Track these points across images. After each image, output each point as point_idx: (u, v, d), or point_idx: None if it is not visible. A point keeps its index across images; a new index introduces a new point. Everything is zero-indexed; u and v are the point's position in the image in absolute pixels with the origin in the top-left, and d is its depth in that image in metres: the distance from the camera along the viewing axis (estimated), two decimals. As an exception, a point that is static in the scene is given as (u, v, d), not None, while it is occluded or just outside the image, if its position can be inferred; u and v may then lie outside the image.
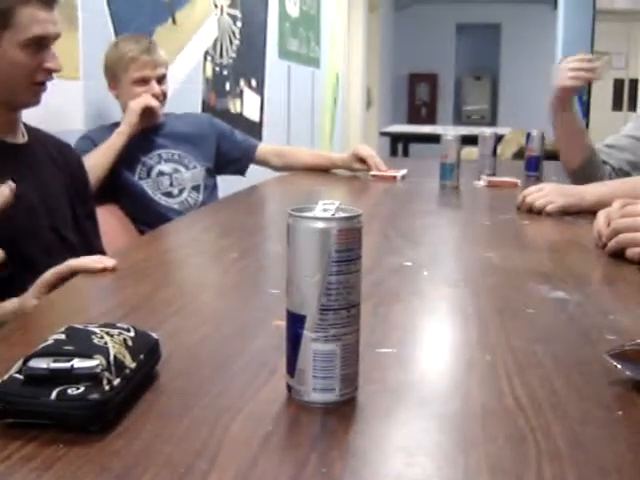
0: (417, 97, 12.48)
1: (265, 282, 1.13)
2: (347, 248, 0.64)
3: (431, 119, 12.21)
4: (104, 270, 1.16)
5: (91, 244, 1.76)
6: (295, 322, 0.66)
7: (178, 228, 1.70)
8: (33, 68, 1.53)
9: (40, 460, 0.56)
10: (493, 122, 11.62)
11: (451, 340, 0.94)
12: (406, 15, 12.17)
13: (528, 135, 2.71)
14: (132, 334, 0.71)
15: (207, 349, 0.84)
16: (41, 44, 1.53)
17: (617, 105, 12.75)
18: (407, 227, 1.71)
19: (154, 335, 0.75)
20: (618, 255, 1.28)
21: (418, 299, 1.08)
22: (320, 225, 0.63)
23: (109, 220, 2.31)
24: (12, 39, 1.49)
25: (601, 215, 1.41)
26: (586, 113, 7.40)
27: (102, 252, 1.80)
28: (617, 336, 0.88)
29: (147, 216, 2.43)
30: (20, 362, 0.63)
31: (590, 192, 1.81)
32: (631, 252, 1.26)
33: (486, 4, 11.86)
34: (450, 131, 7.13)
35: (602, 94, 12.33)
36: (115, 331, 0.69)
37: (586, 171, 2.16)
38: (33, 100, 1.59)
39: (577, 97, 7.29)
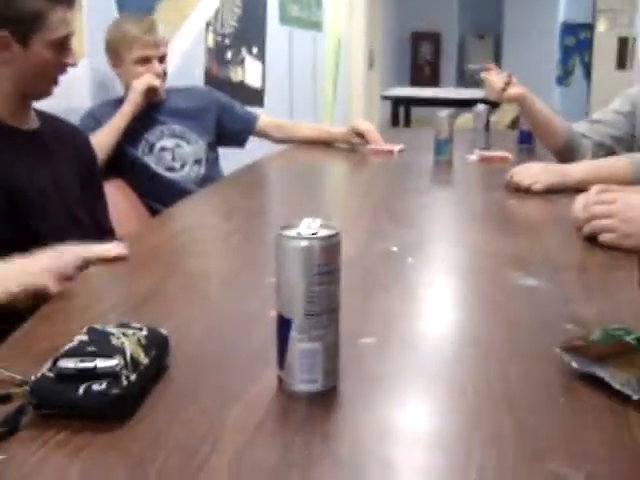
0: (420, 57, 12.45)
1: (264, 270, 1.24)
2: (327, 262, 0.76)
3: (434, 79, 12.20)
4: (116, 259, 1.28)
5: (101, 222, 1.85)
6: (284, 324, 0.78)
7: (184, 211, 1.81)
8: (57, 65, 1.64)
9: (72, 445, 0.69)
10: (496, 81, 11.61)
11: (424, 330, 1.05)
12: (409, -28, 12.10)
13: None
14: (145, 332, 0.82)
15: (210, 341, 0.95)
16: (66, 42, 1.63)
17: (621, 64, 12.73)
18: (398, 208, 1.82)
19: (163, 331, 0.86)
20: (593, 239, 1.39)
21: (400, 288, 1.19)
22: (304, 243, 0.75)
23: (116, 195, 2.41)
24: (42, 39, 1.58)
25: (579, 200, 1.51)
26: (588, 73, 7.42)
27: (111, 230, 1.91)
28: (576, 326, 0.99)
29: (152, 190, 2.54)
30: (50, 362, 0.74)
31: (575, 171, 1.90)
32: (603, 237, 1.37)
33: (490, -39, 11.78)
34: (451, 92, 7.17)
35: (606, 53, 12.30)
36: (130, 331, 0.81)
37: (567, 152, 2.25)
38: (48, 92, 1.70)
39: (579, 56, 7.25)
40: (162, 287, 1.17)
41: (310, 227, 0.76)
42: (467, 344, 0.95)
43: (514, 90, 2.27)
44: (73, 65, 1.68)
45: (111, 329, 0.81)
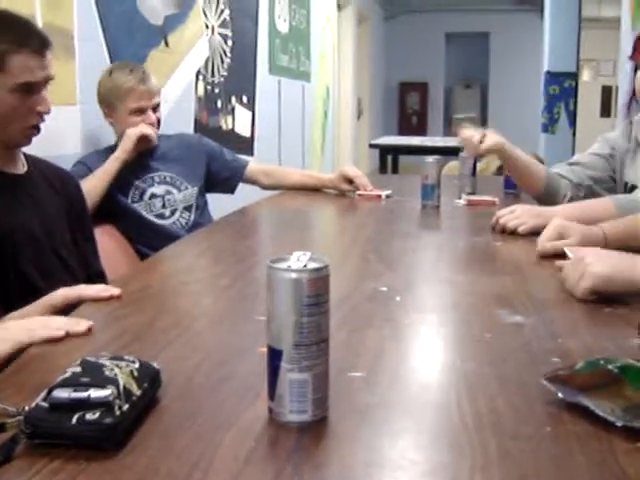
0: (408, 106, 12.65)
1: (252, 309, 1.25)
2: (316, 294, 0.78)
3: (422, 128, 12.37)
4: (110, 298, 1.29)
5: (90, 265, 1.86)
6: (274, 355, 0.80)
7: (174, 254, 1.83)
8: (24, 111, 1.62)
9: (65, 473, 0.69)
10: (483, 129, 11.74)
11: (413, 365, 1.07)
12: (396, 25, 12.34)
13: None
14: (137, 365, 0.83)
15: (201, 375, 0.96)
16: (31, 89, 1.61)
17: (605, 112, 12.93)
18: (387, 250, 1.84)
19: (155, 365, 0.88)
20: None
21: (389, 325, 1.20)
22: (293, 275, 0.77)
23: (107, 240, 2.43)
24: (5, 84, 1.57)
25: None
26: (573, 121, 7.54)
27: (101, 272, 1.92)
28: (561, 359, 1.01)
29: (142, 236, 2.55)
30: (45, 392, 0.76)
31: (558, 212, 1.94)
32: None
33: (474, 13, 12.03)
34: (439, 141, 7.26)
35: (590, 101, 12.50)
36: (123, 363, 0.82)
37: (547, 196, 2.29)
38: (24, 141, 1.68)
39: (564, 104, 7.33)
40: (154, 325, 1.18)
41: (300, 260, 0.79)
42: (454, 378, 0.97)
43: (490, 141, 2.29)
44: (45, 113, 1.66)
45: (104, 361, 0.82)
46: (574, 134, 7.53)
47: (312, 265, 0.78)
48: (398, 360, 1.06)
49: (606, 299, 1.27)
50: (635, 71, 2.11)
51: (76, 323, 1.14)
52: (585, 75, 11.47)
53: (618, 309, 1.25)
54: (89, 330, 1.12)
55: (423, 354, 1.12)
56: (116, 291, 1.31)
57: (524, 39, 11.71)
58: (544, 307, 1.32)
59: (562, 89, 7.51)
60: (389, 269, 1.61)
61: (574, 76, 7.48)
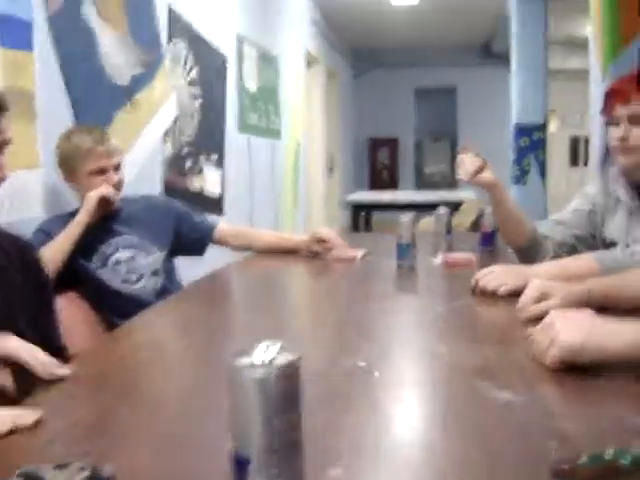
0: (378, 161, 12.68)
1: (220, 392, 1.15)
2: (287, 392, 0.68)
3: (393, 182, 12.40)
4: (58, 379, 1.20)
5: (50, 338, 1.77)
6: (239, 463, 0.69)
7: (139, 326, 1.72)
8: None
9: None
10: (453, 182, 11.79)
11: (395, 448, 0.97)
12: (365, 81, 12.44)
13: (481, 212, 2.79)
14: (86, 474, 0.73)
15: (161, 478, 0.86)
16: None
17: (574, 161, 13.08)
18: (363, 317, 1.75)
19: (108, 470, 0.77)
20: None
21: (368, 405, 1.11)
22: (259, 373, 0.67)
23: (69, 309, 2.32)
24: None
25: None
26: (543, 171, 7.56)
27: (62, 346, 1.82)
28: (560, 443, 0.91)
29: (107, 303, 2.45)
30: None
31: (539, 272, 1.87)
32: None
33: (442, 68, 12.17)
34: (411, 195, 7.25)
35: (559, 151, 12.65)
36: (69, 473, 0.71)
37: (529, 250, 2.23)
38: None
39: (534, 155, 7.37)
40: (111, 414, 1.08)
41: (266, 353, 0.69)
42: (442, 463, 0.87)
43: (487, 175, 2.22)
44: (1, 179, 1.58)
45: (46, 473, 0.71)
46: (545, 185, 7.54)
47: (280, 359, 0.68)
48: (380, 447, 0.96)
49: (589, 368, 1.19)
50: (607, 126, 2.08)
51: (23, 415, 1.03)
52: (552, 126, 11.59)
53: (613, 380, 1.17)
54: (37, 422, 1.02)
55: (406, 437, 1.01)
56: (61, 372, 1.23)
57: (491, 92, 11.83)
58: (533, 380, 1.23)
59: (531, 141, 7.53)
60: (366, 339, 1.51)
61: (543, 128, 7.52)
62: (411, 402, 1.15)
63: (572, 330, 1.23)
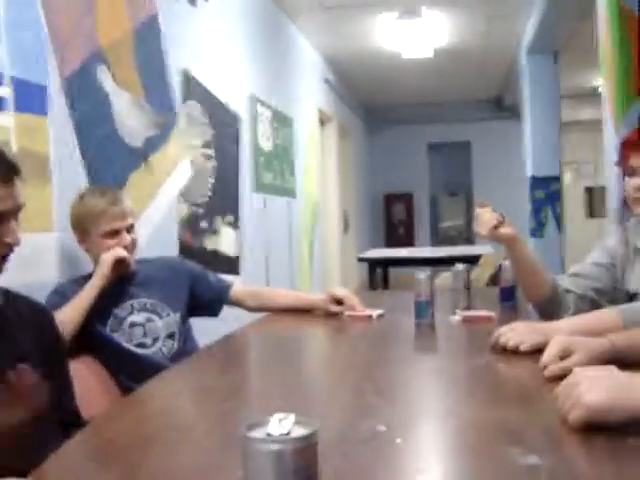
0: (394, 217, 12.68)
1: (233, 468, 1.11)
2: (303, 466, 0.64)
3: (409, 238, 12.38)
4: None
5: (65, 405, 1.76)
6: None
7: (151, 393, 1.68)
8: None
9: None
10: (470, 237, 11.76)
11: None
12: (378, 137, 12.53)
13: (500, 266, 2.75)
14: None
15: None
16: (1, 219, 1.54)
17: (590, 213, 13.02)
18: (382, 379, 1.70)
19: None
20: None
21: (391, 477, 1.06)
22: (274, 447, 0.63)
23: (84, 373, 2.29)
24: None
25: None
26: (560, 223, 7.54)
27: (76, 412, 1.80)
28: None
29: (122, 367, 2.42)
30: None
31: (562, 328, 1.82)
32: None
33: (455, 123, 12.25)
34: (427, 251, 7.21)
35: (575, 203, 12.61)
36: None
37: (550, 305, 2.19)
38: None
39: (551, 208, 7.37)
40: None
41: (282, 424, 0.65)
42: None
43: (505, 230, 2.20)
44: (14, 244, 1.58)
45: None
46: (562, 237, 7.51)
47: (297, 431, 0.65)
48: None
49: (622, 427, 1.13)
50: (623, 177, 2.06)
51: None
52: (567, 178, 11.59)
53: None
54: None
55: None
56: None
57: (504, 145, 11.88)
58: (560, 443, 1.17)
59: (547, 193, 7.54)
60: (386, 402, 1.47)
61: (558, 179, 7.53)
62: (437, 472, 1.09)
63: (596, 390, 1.18)
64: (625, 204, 2.10)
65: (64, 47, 2.74)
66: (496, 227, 2.19)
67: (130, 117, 3.27)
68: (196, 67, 4.10)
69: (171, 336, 2.52)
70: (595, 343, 1.54)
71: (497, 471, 1.06)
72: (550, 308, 2.18)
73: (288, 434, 0.64)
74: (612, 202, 3.77)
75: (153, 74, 3.56)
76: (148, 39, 3.52)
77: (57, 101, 2.68)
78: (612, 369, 1.26)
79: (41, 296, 2.23)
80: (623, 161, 2.03)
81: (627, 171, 2.02)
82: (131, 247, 2.50)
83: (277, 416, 0.67)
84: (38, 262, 2.52)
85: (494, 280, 4.80)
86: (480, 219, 2.24)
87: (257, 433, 0.65)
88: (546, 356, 1.58)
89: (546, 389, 1.45)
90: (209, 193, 4.27)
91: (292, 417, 0.66)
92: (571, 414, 1.18)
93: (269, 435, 0.64)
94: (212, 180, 4.33)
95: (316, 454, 0.66)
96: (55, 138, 2.65)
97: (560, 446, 1.15)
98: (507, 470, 1.05)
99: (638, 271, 2.09)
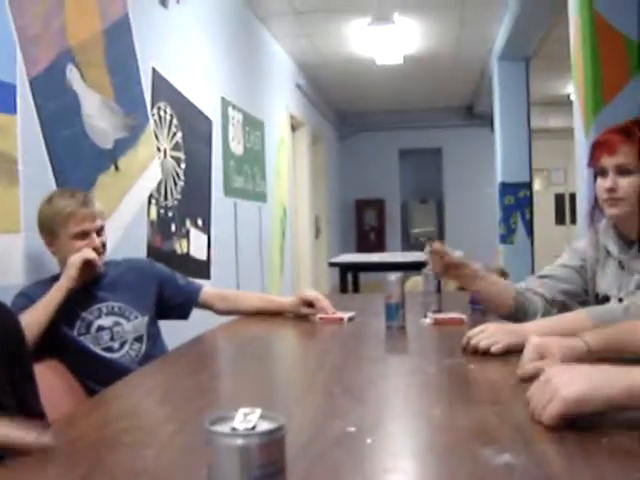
0: (365, 223, 12.69)
1: (198, 466, 1.09)
2: (269, 462, 0.62)
3: (380, 244, 12.40)
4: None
5: (29, 406, 1.72)
6: (219, 543, 0.63)
7: (118, 394, 1.65)
8: None
9: None
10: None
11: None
12: (350, 143, 12.54)
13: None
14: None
15: None
16: None
17: (560, 219, 13.14)
18: (353, 380, 1.69)
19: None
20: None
21: (360, 476, 1.04)
22: (239, 441, 0.61)
23: (51, 376, 2.25)
24: None
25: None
26: (530, 230, 7.58)
27: (41, 414, 1.76)
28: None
29: (89, 370, 2.38)
30: None
31: (533, 330, 1.81)
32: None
33: (427, 129, 12.29)
34: (398, 257, 7.21)
35: (545, 209, 12.71)
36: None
37: (516, 316, 2.16)
38: None
39: (520, 215, 7.41)
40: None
41: (247, 419, 0.63)
42: None
43: (455, 272, 2.25)
44: None
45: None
46: (532, 243, 7.55)
47: (263, 426, 0.63)
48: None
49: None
50: (594, 178, 2.06)
51: None
52: (537, 184, 11.67)
53: (615, 438, 1.11)
54: None
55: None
56: (47, 440, 1.16)
57: (475, 152, 11.95)
58: (533, 441, 1.16)
59: (517, 199, 7.58)
60: (357, 403, 1.45)
61: (528, 186, 7.57)
62: (407, 472, 1.07)
63: (571, 383, 1.18)
64: (595, 206, 2.10)
65: (32, 46, 2.70)
66: (448, 268, 2.21)
67: (100, 118, 3.23)
68: (167, 69, 4.07)
69: (139, 339, 2.49)
70: (571, 342, 1.54)
71: (470, 470, 1.04)
72: (519, 317, 2.16)
73: (253, 428, 0.62)
74: (583, 207, 3.78)
75: (123, 75, 3.52)
76: (119, 40, 3.48)
77: (25, 101, 2.64)
78: (583, 364, 1.26)
79: (6, 299, 2.18)
80: (593, 162, 2.03)
81: (598, 171, 2.02)
82: (100, 249, 2.46)
83: (242, 410, 0.65)
84: (5, 264, 2.48)
85: (465, 285, 4.79)
86: (432, 260, 2.29)
87: (222, 427, 0.62)
88: (524, 359, 1.56)
89: (518, 389, 1.44)
90: (179, 196, 4.23)
91: (258, 411, 0.64)
92: (547, 409, 1.17)
93: (234, 429, 0.62)
94: (182, 183, 4.30)
95: (283, 449, 0.64)
96: (23, 138, 2.61)
97: (533, 445, 1.14)
98: (480, 469, 1.04)
99: (608, 273, 2.08)
